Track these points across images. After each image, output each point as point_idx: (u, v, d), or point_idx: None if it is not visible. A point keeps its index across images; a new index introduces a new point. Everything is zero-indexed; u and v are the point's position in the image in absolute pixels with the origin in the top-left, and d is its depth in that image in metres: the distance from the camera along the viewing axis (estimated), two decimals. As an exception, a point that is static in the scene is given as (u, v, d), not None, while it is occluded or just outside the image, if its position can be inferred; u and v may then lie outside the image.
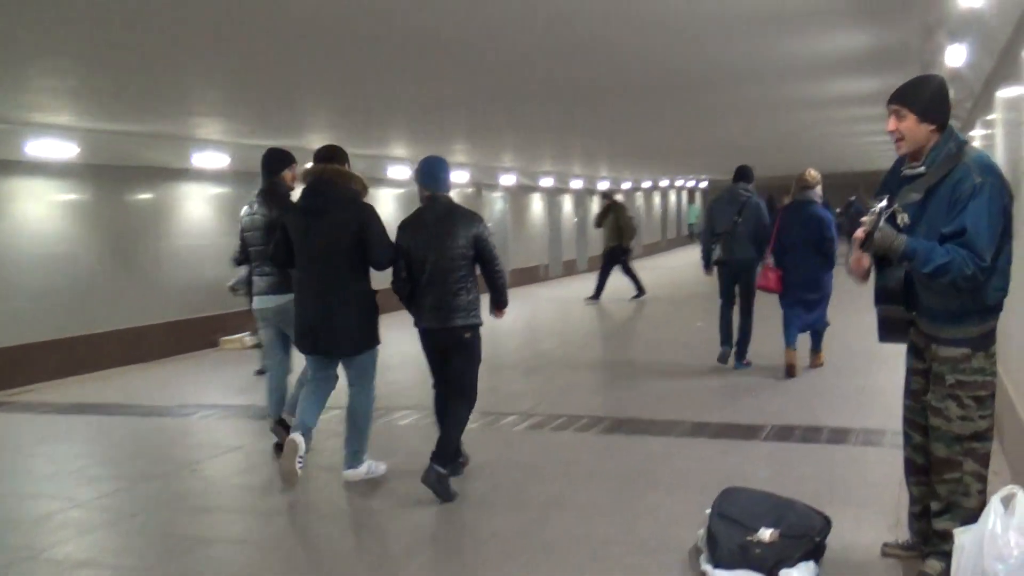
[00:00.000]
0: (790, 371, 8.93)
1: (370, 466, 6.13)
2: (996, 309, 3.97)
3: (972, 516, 3.92)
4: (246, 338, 12.91)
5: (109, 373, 11.11)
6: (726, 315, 9.65)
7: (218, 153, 12.65)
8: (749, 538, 4.23)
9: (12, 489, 6.27)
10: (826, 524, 4.40)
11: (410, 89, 8.86)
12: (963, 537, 3.79)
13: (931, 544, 4.15)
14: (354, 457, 6.10)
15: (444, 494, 5.50)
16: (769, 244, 9.08)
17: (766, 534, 4.24)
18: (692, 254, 34.88)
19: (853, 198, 24.04)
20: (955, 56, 6.81)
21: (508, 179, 21.42)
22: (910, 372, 4.29)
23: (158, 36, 5.98)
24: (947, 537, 3.98)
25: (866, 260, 4.11)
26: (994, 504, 3.71)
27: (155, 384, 10.36)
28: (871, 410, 7.45)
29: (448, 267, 5.70)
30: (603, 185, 27.19)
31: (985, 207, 3.78)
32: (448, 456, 5.65)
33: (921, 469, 4.27)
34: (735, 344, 9.60)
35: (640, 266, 18.53)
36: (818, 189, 9.17)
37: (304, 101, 9.59)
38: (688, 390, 8.66)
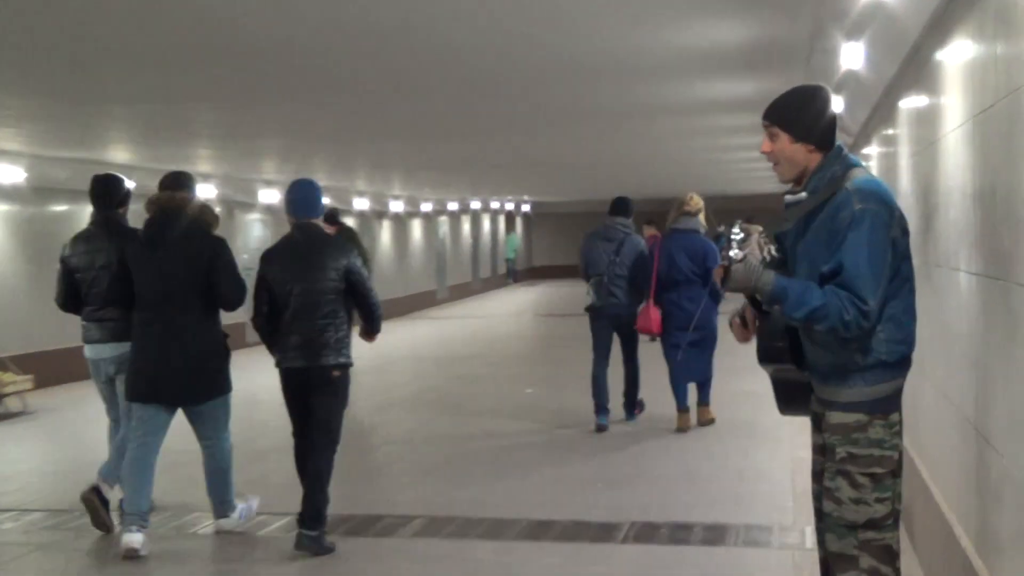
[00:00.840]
0: (704, 421, 10.46)
1: (241, 510, 7.22)
2: (896, 367, 4.21)
3: None
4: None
5: None
6: (601, 374, 10.54)
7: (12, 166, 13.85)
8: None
9: None
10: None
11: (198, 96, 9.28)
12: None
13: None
14: (224, 506, 7.13)
15: (323, 552, 6.67)
16: (651, 282, 10.03)
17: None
18: (511, 299, 35.98)
19: (722, 228, 25.18)
20: (852, 57, 7.37)
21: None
22: (813, 450, 4.56)
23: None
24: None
25: (750, 314, 4.44)
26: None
27: None
28: (753, 501, 7.90)
29: (316, 300, 6.59)
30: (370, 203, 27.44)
31: (865, 239, 4.03)
32: (318, 516, 6.67)
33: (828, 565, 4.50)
34: (623, 396, 10.76)
35: (447, 315, 18.80)
36: (700, 217, 10.12)
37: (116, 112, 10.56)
38: (523, 477, 8.91)
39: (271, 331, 6.75)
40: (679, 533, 7.11)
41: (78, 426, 12.45)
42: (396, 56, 8.44)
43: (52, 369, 14.60)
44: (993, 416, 4.38)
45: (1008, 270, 3.97)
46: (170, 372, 6.67)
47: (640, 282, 10.18)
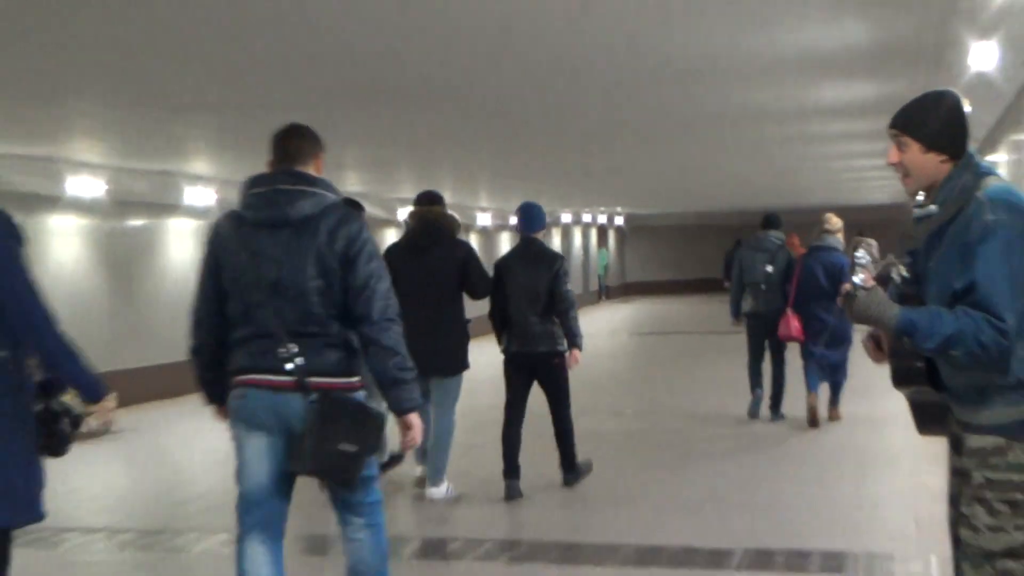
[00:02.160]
0: (812, 417, 11.67)
1: (448, 487, 8.93)
2: None
3: None
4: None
5: None
6: (756, 369, 12.54)
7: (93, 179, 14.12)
8: None
9: None
10: None
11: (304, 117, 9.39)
12: None
13: None
14: (438, 475, 8.87)
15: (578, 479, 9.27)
16: (791, 292, 11.65)
17: None
18: (603, 316, 35.79)
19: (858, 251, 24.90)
20: (983, 57, 7.36)
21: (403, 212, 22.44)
22: (950, 473, 4.48)
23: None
24: None
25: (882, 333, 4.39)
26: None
27: None
28: (872, 528, 7.87)
29: (537, 298, 8.82)
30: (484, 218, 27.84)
31: (1001, 253, 3.98)
32: (573, 457, 9.24)
33: None
34: (770, 398, 12.33)
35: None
36: (840, 235, 11.84)
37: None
38: (626, 499, 8.97)
39: (502, 323, 9.03)
40: (795, 560, 7.12)
41: (164, 445, 12.78)
42: (497, 66, 8.63)
43: (135, 388, 14.67)
44: None
45: None
46: (434, 352, 8.24)
47: (787, 289, 11.73)
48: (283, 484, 5.20)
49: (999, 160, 10.20)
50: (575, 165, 18.83)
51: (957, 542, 4.45)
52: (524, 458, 9.28)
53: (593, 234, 42.97)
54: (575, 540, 7.84)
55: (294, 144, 5.35)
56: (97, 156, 14.36)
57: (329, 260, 5.02)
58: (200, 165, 16.58)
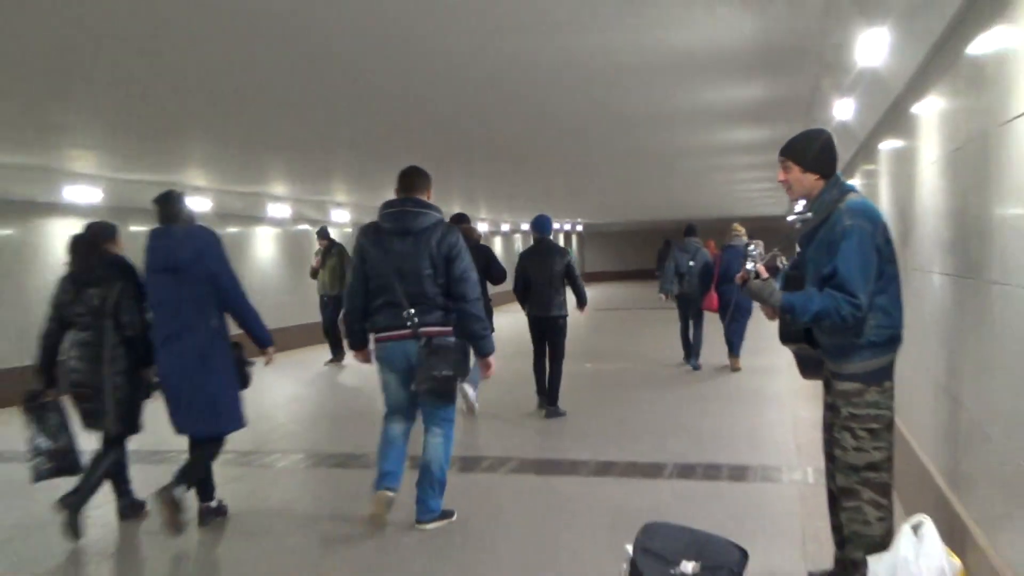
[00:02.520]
0: (734, 367, 12.46)
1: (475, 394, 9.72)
2: (885, 346, 4.21)
3: (875, 543, 4.21)
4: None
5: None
6: (685, 333, 13.10)
7: (91, 187, 12.49)
8: (672, 571, 4.43)
9: None
10: (743, 556, 4.63)
11: (289, 129, 9.06)
12: (877, 565, 4.09)
13: (845, 573, 4.44)
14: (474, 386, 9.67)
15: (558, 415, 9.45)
16: (714, 278, 12.28)
17: (688, 567, 4.44)
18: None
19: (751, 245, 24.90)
20: (843, 110, 7.34)
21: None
22: (824, 407, 4.57)
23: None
24: (857, 566, 4.26)
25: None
26: (905, 532, 4.04)
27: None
28: (766, 448, 7.87)
29: (550, 279, 9.57)
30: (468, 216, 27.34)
31: (856, 249, 4.05)
32: (556, 397, 9.67)
33: (837, 498, 4.51)
34: (692, 351, 12.87)
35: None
36: (744, 237, 12.43)
37: (184, 137, 9.68)
38: (588, 429, 8.95)
39: (525, 296, 9.79)
40: (711, 471, 7.11)
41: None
42: (479, 103, 8.32)
43: None
44: (960, 378, 4.36)
45: (979, 271, 3.95)
46: None
47: (706, 279, 12.39)
48: (408, 397, 5.89)
49: (855, 183, 10.16)
50: (548, 187, 18.63)
51: (831, 458, 4.49)
52: (512, 404, 9.61)
53: (561, 237, 43.12)
54: (551, 458, 7.80)
55: (413, 180, 5.95)
56: (204, 181, 13.91)
57: (436, 258, 5.74)
58: (279, 188, 15.92)
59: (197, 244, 5.91)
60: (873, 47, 4.92)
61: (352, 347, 6.21)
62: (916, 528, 4.04)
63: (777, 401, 10.17)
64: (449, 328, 5.81)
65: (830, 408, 4.46)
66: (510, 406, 10.27)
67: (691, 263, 12.63)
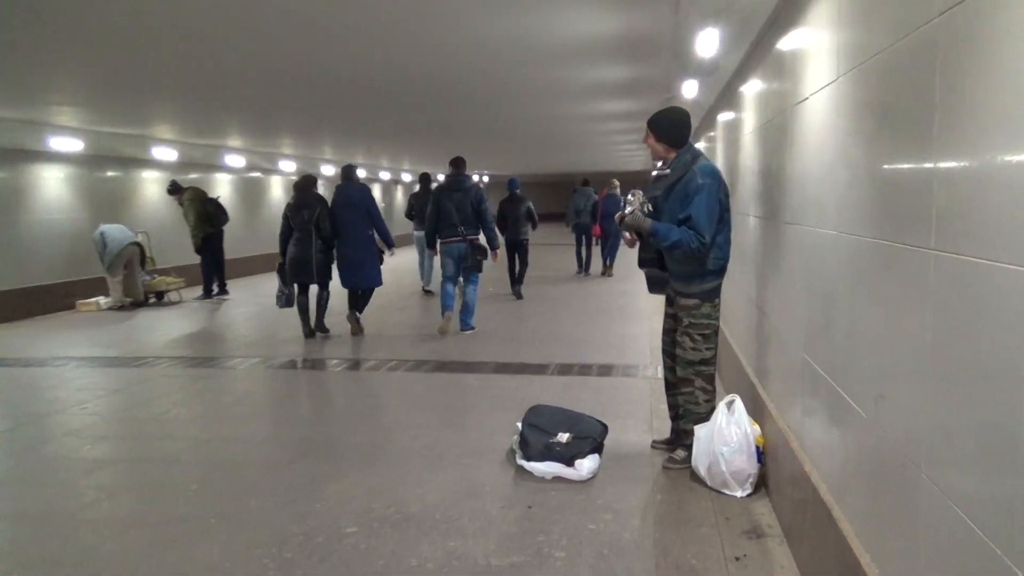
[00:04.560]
0: (608, 273, 15.31)
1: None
2: (717, 272, 4.62)
3: (703, 418, 4.66)
4: (100, 301, 12.47)
5: (-26, 332, 10.43)
6: (579, 252, 15.84)
7: (73, 139, 12.11)
8: (551, 440, 4.83)
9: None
10: (605, 429, 5.06)
11: (245, 92, 8.88)
12: (700, 431, 4.55)
13: (678, 440, 4.90)
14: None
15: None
16: (598, 216, 15.37)
17: (563, 437, 4.85)
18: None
19: (627, 194, 25.10)
20: (689, 89, 7.67)
21: (328, 169, 21.21)
22: (665, 316, 4.97)
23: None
24: (688, 434, 4.73)
25: (633, 234, 4.77)
26: (721, 407, 4.49)
27: (24, 340, 9.86)
28: (626, 352, 8.28)
29: (517, 217, 12.46)
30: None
31: (705, 201, 4.43)
32: (521, 284, 12.55)
33: (672, 385, 4.96)
34: (584, 265, 15.76)
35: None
36: (618, 189, 15.79)
37: (153, 96, 9.31)
38: (490, 336, 9.24)
39: (504, 226, 12.59)
40: (584, 369, 7.44)
41: (211, 310, 12.66)
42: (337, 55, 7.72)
43: (192, 275, 14.36)
44: (765, 295, 4.70)
45: (776, 215, 4.32)
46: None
47: (594, 215, 15.44)
48: (458, 272, 9.33)
49: (700, 146, 10.52)
50: (398, 129, 17.71)
51: (671, 356, 4.89)
52: (429, 324, 9.46)
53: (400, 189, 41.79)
54: (460, 360, 8.03)
55: (461, 164, 9.36)
56: (172, 135, 13.56)
57: (474, 203, 9.12)
58: (234, 141, 15.47)
59: (362, 192, 9.21)
60: (709, 42, 5.22)
61: (433, 246, 9.50)
62: (729, 404, 4.49)
63: (636, 316, 10.63)
64: (479, 236, 9.28)
65: (672, 318, 4.85)
66: (429, 326, 10.51)
67: (585, 205, 15.31)
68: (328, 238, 9.07)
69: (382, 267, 9.40)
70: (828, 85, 3.10)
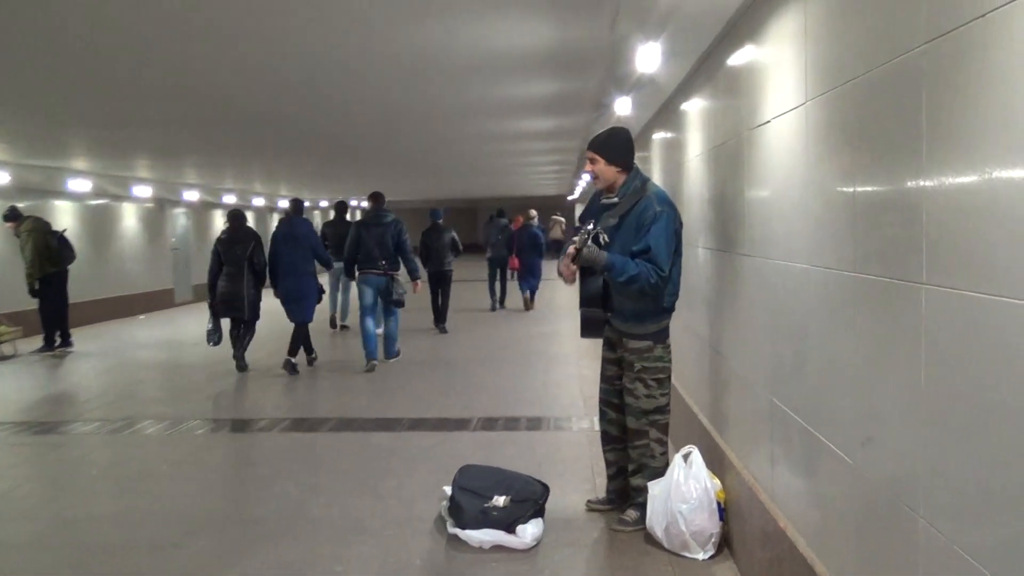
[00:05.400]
0: (528, 308, 16.73)
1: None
2: (670, 310, 4.89)
3: (658, 473, 4.86)
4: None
5: None
6: (492, 287, 17.09)
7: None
8: (487, 504, 4.92)
9: None
10: (546, 490, 5.18)
11: (89, 105, 8.67)
12: (655, 488, 4.74)
13: (630, 498, 5.05)
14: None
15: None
16: (514, 247, 16.95)
17: (500, 500, 4.95)
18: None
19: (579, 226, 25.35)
20: (622, 106, 7.96)
21: (191, 195, 20.86)
22: (605, 362, 5.14)
23: None
24: (642, 491, 4.89)
25: (573, 268, 4.87)
26: (677, 460, 4.69)
27: None
28: (556, 402, 8.46)
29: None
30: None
31: (663, 230, 4.67)
32: (444, 320, 13.93)
33: (615, 439, 5.14)
34: (501, 296, 17.16)
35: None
36: (535, 219, 17.72)
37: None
38: (397, 390, 9.27)
39: (426, 258, 13.66)
40: (511, 423, 7.57)
41: (60, 363, 12.24)
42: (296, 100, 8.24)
43: (30, 322, 13.78)
44: (721, 335, 4.94)
45: (732, 246, 4.56)
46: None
47: (510, 247, 17.02)
48: (376, 302, 10.38)
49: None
50: (353, 171, 18.28)
51: (615, 407, 5.06)
52: (347, 365, 9.47)
53: (359, 213, 42.46)
54: (370, 416, 8.05)
55: (379, 198, 10.62)
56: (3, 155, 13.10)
57: (394, 236, 10.23)
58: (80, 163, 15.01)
59: (307, 226, 10.51)
60: (649, 57, 5.50)
61: (351, 276, 10.62)
62: (686, 457, 4.70)
63: (564, 362, 10.86)
64: (398, 272, 10.30)
65: (616, 364, 5.04)
66: (340, 369, 10.46)
67: (500, 236, 16.97)
68: (261, 273, 10.28)
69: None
70: (795, 108, 3.36)
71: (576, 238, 4.83)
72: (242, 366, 10.45)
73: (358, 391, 9.27)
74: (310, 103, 8.82)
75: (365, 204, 30.63)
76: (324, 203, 31.73)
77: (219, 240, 10.34)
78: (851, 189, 2.78)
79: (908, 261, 2.32)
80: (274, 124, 10.31)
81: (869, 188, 2.63)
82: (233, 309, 10.28)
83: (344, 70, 7.13)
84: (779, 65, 3.63)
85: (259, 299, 10.41)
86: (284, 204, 27.59)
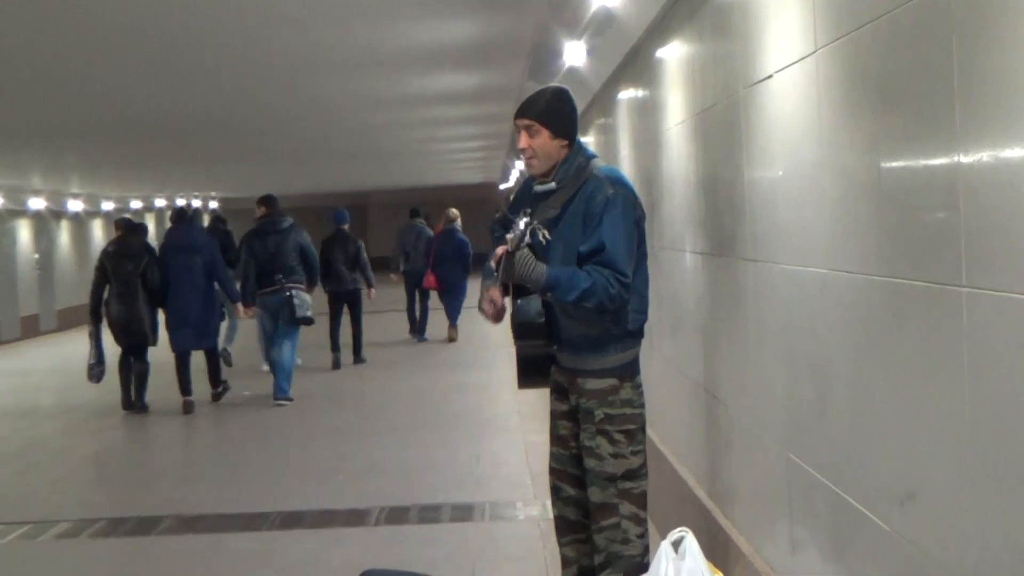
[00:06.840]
0: (452, 339, 17.89)
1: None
2: (638, 335, 4.92)
3: (636, 566, 4.95)
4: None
5: None
6: (411, 308, 18.51)
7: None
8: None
9: None
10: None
11: None
12: (635, 588, 4.91)
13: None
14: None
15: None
16: (431, 258, 17.41)
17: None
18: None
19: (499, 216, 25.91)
20: (575, 54, 8.16)
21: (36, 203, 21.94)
22: (555, 417, 5.15)
23: None
24: (614, 590, 5.05)
25: (498, 296, 4.96)
26: (664, 549, 4.84)
27: None
28: (494, 481, 8.62)
29: (347, 260, 15.26)
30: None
31: (620, 220, 4.70)
32: (360, 350, 15.99)
33: (575, 526, 5.15)
34: (419, 322, 18.42)
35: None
36: (458, 222, 18.04)
37: None
38: (260, 467, 9.39)
39: (325, 276, 14.89)
40: (428, 514, 7.67)
41: None
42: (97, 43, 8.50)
43: None
44: (717, 373, 5.13)
45: (730, 247, 4.78)
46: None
47: (428, 258, 17.55)
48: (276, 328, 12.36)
49: (588, 141, 11.09)
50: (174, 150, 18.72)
51: (572, 479, 5.12)
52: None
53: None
54: (223, 510, 8.15)
55: (272, 202, 12.62)
56: None
57: (295, 246, 12.16)
58: None
59: (204, 236, 12.48)
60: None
61: (247, 303, 12.46)
62: (676, 544, 4.86)
63: (503, 426, 11.03)
64: (302, 286, 12.39)
65: (569, 416, 5.06)
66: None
67: (415, 244, 17.75)
68: (156, 292, 11.85)
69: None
70: (803, 60, 3.62)
71: (509, 236, 4.73)
72: (142, 405, 12.33)
73: (202, 464, 9.29)
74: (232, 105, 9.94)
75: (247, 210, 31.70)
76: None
77: (105, 253, 12.10)
78: (875, 165, 3.00)
79: (942, 256, 2.55)
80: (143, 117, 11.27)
81: (894, 163, 2.87)
82: (132, 335, 11.97)
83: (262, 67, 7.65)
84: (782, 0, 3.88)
85: (157, 323, 12.13)
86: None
